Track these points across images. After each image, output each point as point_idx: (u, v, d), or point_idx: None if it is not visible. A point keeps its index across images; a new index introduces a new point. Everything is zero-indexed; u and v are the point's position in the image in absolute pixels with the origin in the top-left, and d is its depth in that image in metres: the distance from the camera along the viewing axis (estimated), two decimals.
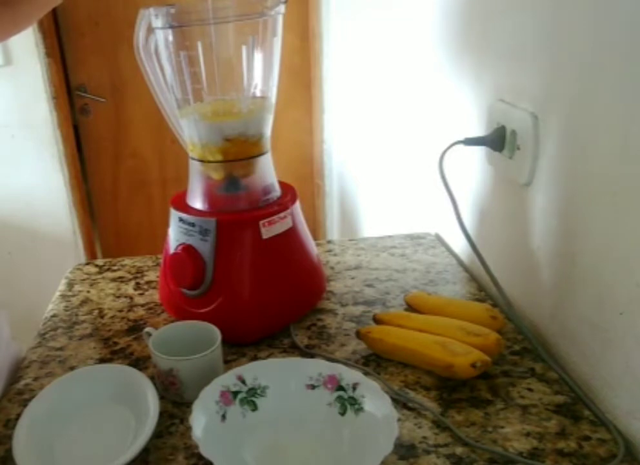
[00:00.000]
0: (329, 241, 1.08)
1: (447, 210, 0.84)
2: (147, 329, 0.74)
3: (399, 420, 0.57)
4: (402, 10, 1.24)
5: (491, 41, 0.83)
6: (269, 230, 0.76)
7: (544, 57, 0.70)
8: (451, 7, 0.96)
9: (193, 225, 0.76)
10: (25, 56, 2.01)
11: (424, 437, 0.61)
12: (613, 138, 0.59)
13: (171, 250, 0.79)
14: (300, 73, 2.29)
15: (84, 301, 0.91)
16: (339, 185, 2.22)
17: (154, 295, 0.91)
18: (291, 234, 0.79)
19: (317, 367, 0.65)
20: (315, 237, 0.87)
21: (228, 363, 0.73)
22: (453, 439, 0.61)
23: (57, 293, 0.94)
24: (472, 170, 0.91)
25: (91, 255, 2.39)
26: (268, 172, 0.80)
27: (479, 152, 0.86)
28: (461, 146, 0.82)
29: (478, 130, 0.84)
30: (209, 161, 0.77)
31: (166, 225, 0.81)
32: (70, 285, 0.96)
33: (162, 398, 0.65)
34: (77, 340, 0.82)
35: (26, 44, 1.99)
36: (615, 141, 0.58)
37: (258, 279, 0.76)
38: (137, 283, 0.95)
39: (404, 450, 0.59)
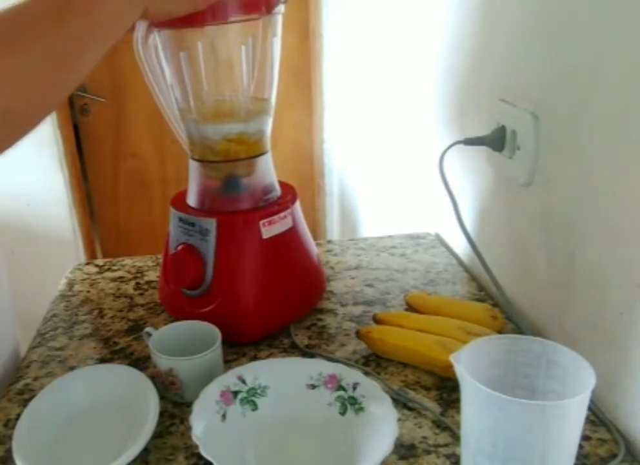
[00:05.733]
0: (329, 241, 1.08)
1: (447, 210, 0.84)
2: (147, 329, 0.74)
3: (399, 420, 0.57)
4: (403, 9, 1.24)
5: (492, 40, 0.83)
6: (269, 230, 0.76)
7: (544, 57, 0.70)
8: (452, 7, 0.96)
9: (193, 224, 0.76)
10: None
11: (424, 437, 0.61)
12: (613, 138, 0.59)
13: (171, 250, 0.79)
14: (300, 73, 2.29)
15: (84, 301, 0.91)
16: (339, 184, 2.22)
17: (154, 295, 0.91)
18: (291, 234, 0.79)
19: (317, 366, 0.65)
20: (315, 238, 0.87)
21: (228, 363, 0.73)
22: (453, 439, 0.61)
23: (57, 293, 0.94)
24: (472, 170, 0.91)
25: (91, 255, 2.39)
26: (268, 172, 0.80)
27: (479, 152, 0.86)
28: (461, 146, 0.82)
29: (478, 130, 0.84)
30: (209, 161, 0.77)
31: (166, 224, 0.81)
32: (70, 285, 0.96)
33: (162, 398, 0.65)
34: (77, 340, 0.82)
35: None
36: (615, 140, 0.58)
37: (258, 279, 0.76)
38: (137, 283, 0.95)
39: (404, 450, 0.59)
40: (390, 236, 1.08)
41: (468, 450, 0.52)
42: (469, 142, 0.82)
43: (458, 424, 0.62)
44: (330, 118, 2.23)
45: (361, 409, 0.61)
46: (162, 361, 0.66)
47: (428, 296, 0.85)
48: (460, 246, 0.99)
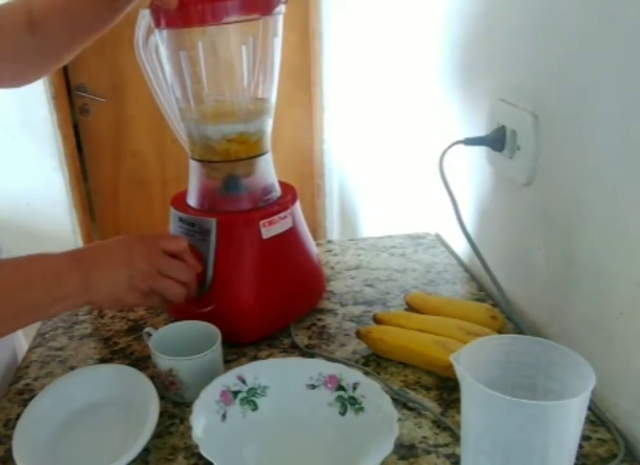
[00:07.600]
0: (329, 241, 1.08)
1: (447, 210, 0.84)
2: (147, 329, 0.74)
3: (399, 420, 0.57)
4: (403, 9, 1.24)
5: (492, 41, 0.83)
6: (269, 230, 0.76)
7: (544, 57, 0.70)
8: (452, 7, 0.96)
9: (193, 224, 0.76)
10: None
11: (424, 437, 0.61)
12: (613, 138, 0.59)
13: None
14: (300, 73, 2.29)
15: None
16: (339, 185, 2.22)
17: None
18: (291, 234, 0.79)
19: (317, 366, 0.65)
20: (315, 238, 0.87)
21: (228, 363, 0.73)
22: (453, 439, 0.61)
23: None
24: (472, 170, 0.91)
25: None
26: (268, 172, 0.80)
27: (479, 152, 0.86)
28: (461, 146, 0.82)
29: (478, 130, 0.84)
30: (209, 161, 0.77)
31: (166, 224, 0.81)
32: None
33: (162, 398, 0.65)
34: (77, 340, 0.82)
35: None
36: (615, 141, 0.58)
37: (258, 279, 0.76)
38: None
39: (404, 450, 0.60)
40: (389, 236, 1.08)
41: (467, 450, 0.52)
42: (469, 142, 0.82)
43: (458, 424, 0.62)
44: (330, 118, 2.23)
45: (361, 409, 0.61)
46: (162, 362, 0.66)
47: (428, 296, 0.85)
48: (460, 246, 0.99)
